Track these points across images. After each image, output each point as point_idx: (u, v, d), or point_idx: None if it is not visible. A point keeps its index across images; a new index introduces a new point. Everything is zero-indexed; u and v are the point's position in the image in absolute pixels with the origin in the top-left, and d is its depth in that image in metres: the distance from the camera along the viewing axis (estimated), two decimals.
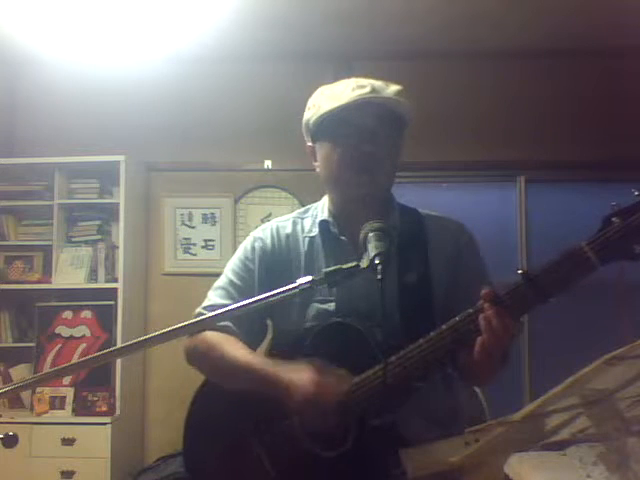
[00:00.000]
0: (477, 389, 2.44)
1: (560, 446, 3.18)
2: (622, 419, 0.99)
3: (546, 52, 3.91)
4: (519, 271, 1.14)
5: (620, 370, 0.91)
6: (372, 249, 1.17)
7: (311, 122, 1.43)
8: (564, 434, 1.06)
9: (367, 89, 1.36)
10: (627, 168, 3.77)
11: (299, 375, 1.26)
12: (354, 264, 1.17)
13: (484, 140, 3.98)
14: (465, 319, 1.18)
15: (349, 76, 1.46)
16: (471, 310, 1.18)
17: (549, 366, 3.67)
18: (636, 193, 1.08)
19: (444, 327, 1.19)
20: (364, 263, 1.16)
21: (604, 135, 3.87)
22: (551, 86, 3.97)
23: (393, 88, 1.40)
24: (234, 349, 1.40)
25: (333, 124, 1.38)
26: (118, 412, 3.56)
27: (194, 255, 4.05)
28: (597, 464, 2.79)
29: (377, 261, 1.13)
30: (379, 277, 1.11)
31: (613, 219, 1.08)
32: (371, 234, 1.20)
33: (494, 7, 3.40)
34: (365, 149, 1.37)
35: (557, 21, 3.54)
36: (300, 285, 1.13)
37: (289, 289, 1.13)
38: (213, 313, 1.18)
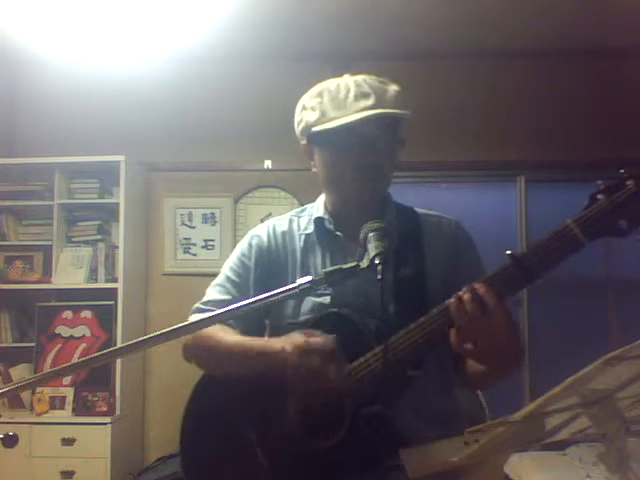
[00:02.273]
0: None
1: (560, 446, 3.19)
2: (622, 419, 0.99)
3: (546, 52, 3.91)
4: (507, 252, 1.15)
5: (620, 370, 0.91)
6: (372, 249, 1.17)
7: (314, 128, 1.41)
8: (564, 434, 1.06)
9: (371, 100, 1.35)
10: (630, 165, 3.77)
11: (292, 338, 1.29)
12: (354, 264, 1.18)
13: (484, 140, 3.98)
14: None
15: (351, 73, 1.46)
16: (460, 294, 1.19)
17: (549, 366, 3.67)
18: (622, 171, 1.10)
19: (434, 311, 1.21)
20: (364, 263, 1.17)
21: (604, 135, 3.88)
22: (551, 86, 3.97)
23: (392, 92, 1.40)
24: (228, 335, 1.43)
25: (337, 134, 1.37)
26: (118, 412, 3.56)
27: (194, 255, 4.06)
28: (597, 464, 2.79)
29: (377, 261, 1.14)
30: (379, 277, 1.11)
31: (598, 196, 1.10)
32: (371, 234, 1.20)
33: (494, 7, 3.40)
34: (369, 158, 1.38)
35: (557, 21, 3.54)
36: (300, 285, 1.13)
37: (289, 289, 1.13)
38: (213, 313, 1.18)
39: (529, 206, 4.04)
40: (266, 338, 1.41)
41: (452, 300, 1.18)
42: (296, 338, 1.28)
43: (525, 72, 4.01)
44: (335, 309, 1.38)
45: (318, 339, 1.26)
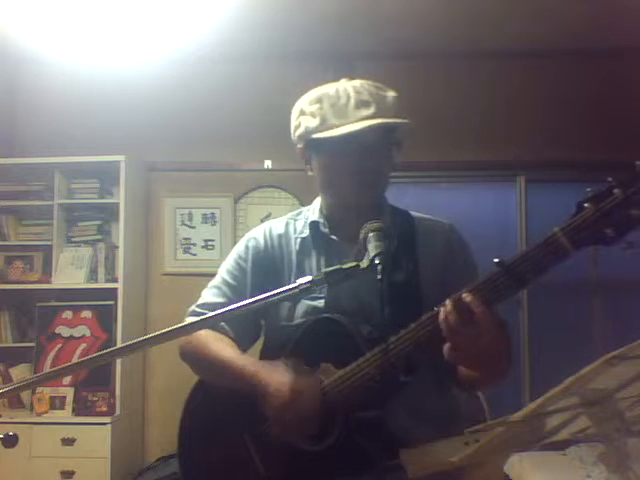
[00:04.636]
0: None
1: (560, 446, 3.18)
2: (622, 419, 0.99)
3: (546, 52, 3.91)
4: (495, 260, 1.15)
5: (620, 370, 0.91)
6: (372, 249, 1.17)
7: (314, 135, 1.41)
8: (564, 434, 1.06)
9: (372, 109, 1.36)
10: (627, 168, 3.77)
11: (277, 380, 1.28)
12: (354, 264, 1.18)
13: (484, 140, 3.98)
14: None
15: (349, 76, 1.46)
16: (446, 303, 1.19)
17: (549, 366, 3.67)
18: (609, 179, 1.10)
19: (424, 317, 1.21)
20: (364, 263, 1.17)
21: (604, 135, 3.88)
22: (551, 86, 3.97)
23: (391, 99, 1.41)
24: (221, 347, 1.43)
25: (336, 140, 1.37)
26: (118, 412, 3.56)
27: (194, 255, 4.06)
28: (597, 464, 2.79)
29: (377, 261, 1.14)
30: (379, 277, 1.11)
31: (585, 205, 1.10)
32: (371, 234, 1.20)
33: (494, 7, 3.40)
34: (367, 164, 1.38)
35: (557, 21, 3.54)
36: (300, 285, 1.13)
37: (289, 289, 1.13)
38: (213, 313, 1.18)
39: (529, 206, 4.04)
40: (256, 364, 1.39)
41: (439, 308, 1.17)
42: (282, 381, 1.27)
43: (525, 72, 4.01)
44: (328, 314, 1.38)
45: (302, 393, 1.25)
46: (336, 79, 1.46)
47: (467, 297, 1.14)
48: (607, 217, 1.08)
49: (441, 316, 1.15)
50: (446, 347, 1.16)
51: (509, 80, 4.01)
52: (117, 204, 3.75)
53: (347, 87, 1.41)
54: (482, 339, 1.13)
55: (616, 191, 1.08)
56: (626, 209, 1.07)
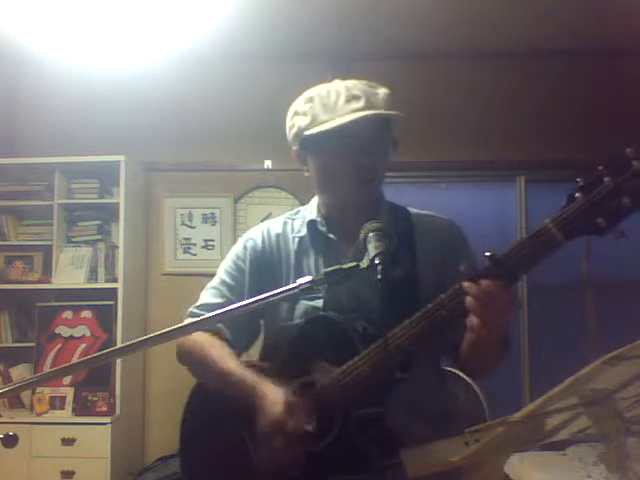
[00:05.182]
0: (477, 389, 2.45)
1: (560, 446, 3.18)
2: (622, 419, 0.99)
3: (546, 52, 3.91)
4: (487, 253, 1.16)
5: (620, 370, 0.91)
6: (372, 249, 1.17)
7: (305, 133, 1.42)
8: (564, 434, 1.06)
9: (362, 102, 1.36)
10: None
11: (274, 403, 1.26)
12: (354, 264, 1.18)
13: (484, 140, 3.98)
14: (438, 305, 1.21)
15: (349, 76, 1.46)
16: (443, 295, 1.21)
17: (549, 366, 3.67)
18: (599, 168, 1.08)
19: (417, 315, 1.22)
20: (364, 263, 1.17)
21: (604, 135, 3.87)
22: (551, 86, 3.97)
23: (382, 94, 1.41)
24: (218, 353, 1.42)
25: (329, 137, 1.38)
26: (118, 412, 3.56)
27: (194, 255, 4.06)
28: (597, 464, 2.79)
29: (377, 261, 1.14)
30: (379, 277, 1.11)
31: (576, 195, 1.09)
32: (371, 234, 1.21)
33: (494, 7, 3.40)
34: (362, 161, 1.38)
35: (557, 21, 3.54)
36: (300, 285, 1.13)
37: (289, 289, 1.13)
38: (212, 313, 1.17)
39: (529, 206, 4.04)
40: (249, 374, 1.36)
41: (435, 301, 1.20)
42: (276, 408, 1.24)
43: (525, 72, 4.01)
44: (324, 312, 1.38)
45: (294, 424, 1.22)
46: (335, 79, 1.47)
47: (484, 282, 1.14)
48: (598, 206, 1.07)
49: (468, 287, 1.14)
50: (472, 321, 1.16)
51: (509, 80, 4.01)
52: (117, 204, 3.75)
53: (338, 86, 1.42)
54: (505, 313, 1.14)
55: (607, 179, 1.07)
56: (617, 197, 1.06)
